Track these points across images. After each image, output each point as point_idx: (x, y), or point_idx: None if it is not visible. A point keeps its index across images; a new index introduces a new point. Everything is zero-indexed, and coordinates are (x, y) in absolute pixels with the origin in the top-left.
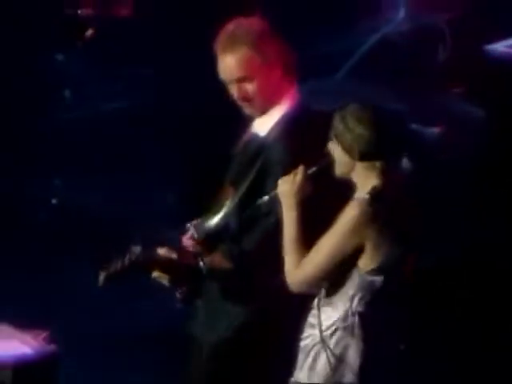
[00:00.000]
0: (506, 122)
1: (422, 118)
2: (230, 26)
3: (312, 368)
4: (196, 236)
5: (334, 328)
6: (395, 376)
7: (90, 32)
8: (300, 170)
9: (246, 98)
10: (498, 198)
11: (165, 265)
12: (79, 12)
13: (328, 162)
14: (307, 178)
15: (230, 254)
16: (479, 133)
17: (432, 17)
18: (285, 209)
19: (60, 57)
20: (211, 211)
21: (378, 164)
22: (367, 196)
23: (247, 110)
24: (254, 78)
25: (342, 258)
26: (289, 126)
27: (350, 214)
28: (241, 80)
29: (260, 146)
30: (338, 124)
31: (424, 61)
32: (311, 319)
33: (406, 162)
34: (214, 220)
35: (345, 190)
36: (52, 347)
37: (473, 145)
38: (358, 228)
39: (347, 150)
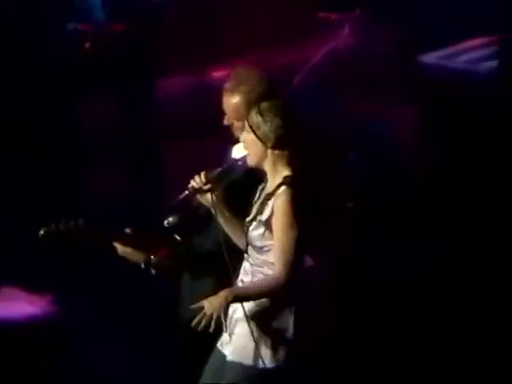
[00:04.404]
0: (438, 128)
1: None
2: (242, 74)
3: (238, 345)
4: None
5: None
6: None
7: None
8: (203, 176)
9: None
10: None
11: (129, 240)
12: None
13: (230, 165)
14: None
15: (179, 252)
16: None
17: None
18: (220, 216)
19: None
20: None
21: (286, 152)
22: (288, 187)
23: None
24: (239, 120)
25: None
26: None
27: (285, 199)
28: (230, 118)
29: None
30: (254, 116)
31: (362, 70)
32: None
33: (352, 157)
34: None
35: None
36: (56, 309)
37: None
38: (296, 209)
39: (264, 139)
